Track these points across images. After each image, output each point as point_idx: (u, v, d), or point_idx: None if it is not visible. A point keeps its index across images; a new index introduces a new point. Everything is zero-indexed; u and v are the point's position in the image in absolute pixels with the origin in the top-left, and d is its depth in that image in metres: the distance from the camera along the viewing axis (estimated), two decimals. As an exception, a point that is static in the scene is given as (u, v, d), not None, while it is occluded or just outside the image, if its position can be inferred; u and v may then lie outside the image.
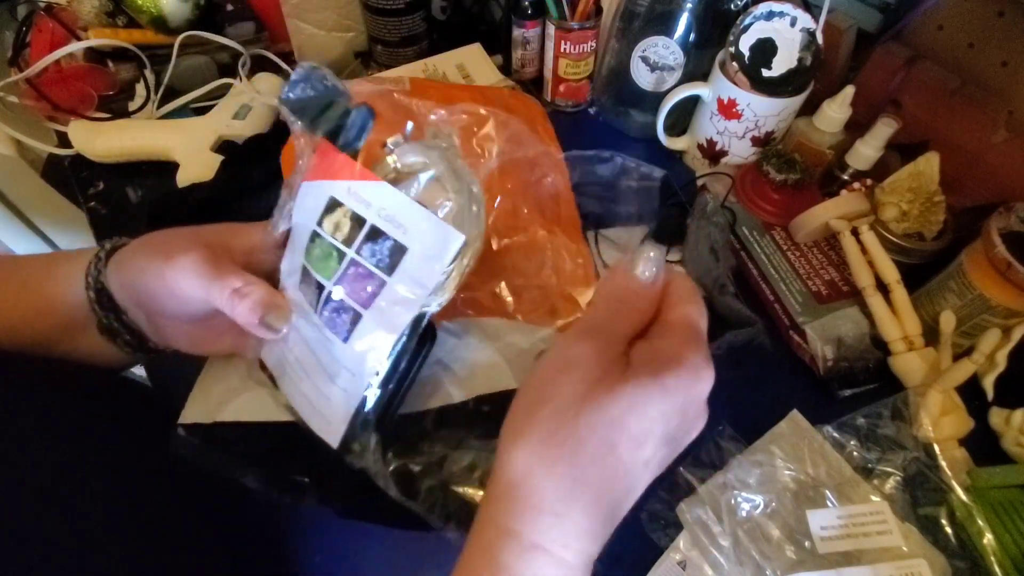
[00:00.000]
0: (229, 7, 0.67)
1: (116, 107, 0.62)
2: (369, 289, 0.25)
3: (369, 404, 0.27)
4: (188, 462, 0.31)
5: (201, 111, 0.63)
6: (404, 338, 0.26)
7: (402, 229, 0.24)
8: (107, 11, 0.65)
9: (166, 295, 0.29)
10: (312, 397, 0.29)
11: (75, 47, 0.62)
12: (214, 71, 0.66)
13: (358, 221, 0.25)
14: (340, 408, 0.28)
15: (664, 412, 0.22)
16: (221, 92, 0.64)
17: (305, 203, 0.27)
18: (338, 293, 0.26)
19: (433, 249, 0.24)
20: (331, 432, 0.28)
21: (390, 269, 0.25)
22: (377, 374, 0.26)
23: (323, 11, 0.65)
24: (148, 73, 0.64)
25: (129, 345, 0.33)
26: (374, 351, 0.26)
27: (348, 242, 0.25)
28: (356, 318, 0.26)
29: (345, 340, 0.26)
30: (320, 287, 0.26)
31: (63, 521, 0.26)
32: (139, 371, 0.47)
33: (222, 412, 0.33)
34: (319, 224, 0.26)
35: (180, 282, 0.27)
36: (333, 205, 0.25)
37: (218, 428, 0.33)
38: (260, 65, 0.68)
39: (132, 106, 0.62)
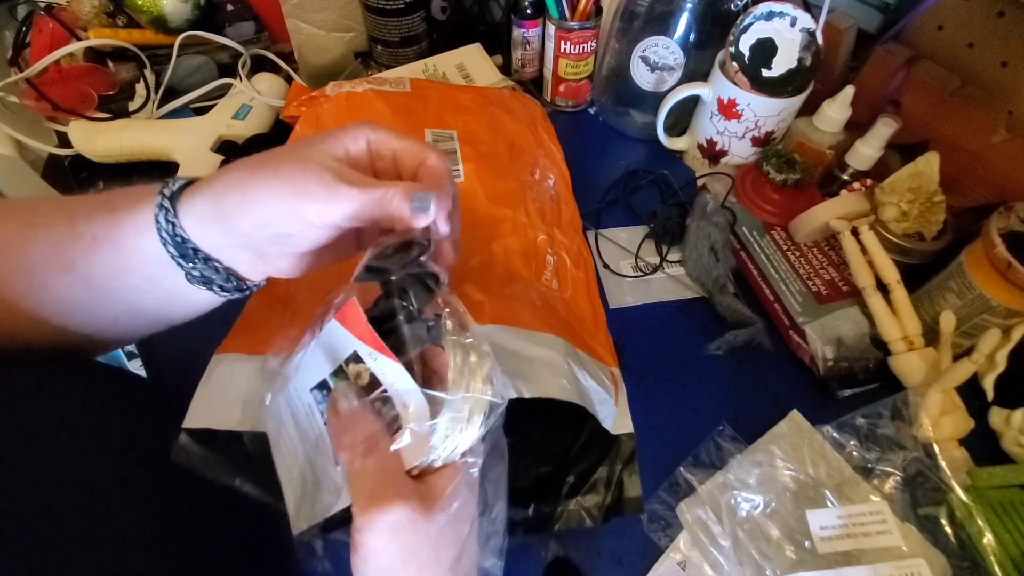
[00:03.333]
0: (229, 7, 0.67)
1: (116, 107, 0.62)
2: None
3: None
4: (189, 470, 0.31)
5: (201, 111, 0.63)
6: None
7: (406, 411, 0.26)
8: (107, 11, 0.65)
9: (300, 227, 0.27)
10: (295, 479, 0.29)
11: (75, 47, 0.62)
12: (214, 71, 0.66)
13: (375, 380, 0.26)
14: (309, 514, 0.28)
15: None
16: (221, 92, 0.64)
17: (333, 337, 0.27)
18: None
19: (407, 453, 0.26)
20: (295, 520, 0.29)
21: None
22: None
23: (323, 11, 0.65)
24: (148, 73, 0.64)
25: (224, 290, 0.31)
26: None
27: (365, 391, 0.26)
28: None
29: (336, 466, 0.27)
30: None
31: (62, 521, 0.26)
32: (137, 365, 0.47)
33: (226, 422, 0.33)
34: (345, 363, 0.27)
35: (323, 214, 0.27)
36: (357, 358, 0.26)
37: (220, 433, 0.33)
38: (260, 65, 0.68)
39: (132, 106, 0.62)
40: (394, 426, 0.26)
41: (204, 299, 0.31)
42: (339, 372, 0.27)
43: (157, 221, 0.27)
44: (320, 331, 0.27)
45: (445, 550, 0.25)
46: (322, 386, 0.27)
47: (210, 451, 0.32)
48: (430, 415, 0.25)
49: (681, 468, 0.42)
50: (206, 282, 0.30)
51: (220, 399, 0.34)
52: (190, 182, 0.29)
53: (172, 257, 0.28)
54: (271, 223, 0.27)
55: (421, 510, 0.23)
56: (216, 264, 0.29)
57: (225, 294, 0.31)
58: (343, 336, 0.26)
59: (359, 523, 0.23)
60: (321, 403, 0.28)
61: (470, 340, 0.26)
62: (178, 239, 0.28)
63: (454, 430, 0.25)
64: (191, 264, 0.28)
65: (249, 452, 0.33)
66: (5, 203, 0.32)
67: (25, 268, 0.29)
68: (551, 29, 0.63)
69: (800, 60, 0.52)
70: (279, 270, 0.30)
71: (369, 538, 0.23)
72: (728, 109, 0.56)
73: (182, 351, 0.36)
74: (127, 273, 0.29)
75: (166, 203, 0.28)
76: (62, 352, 0.32)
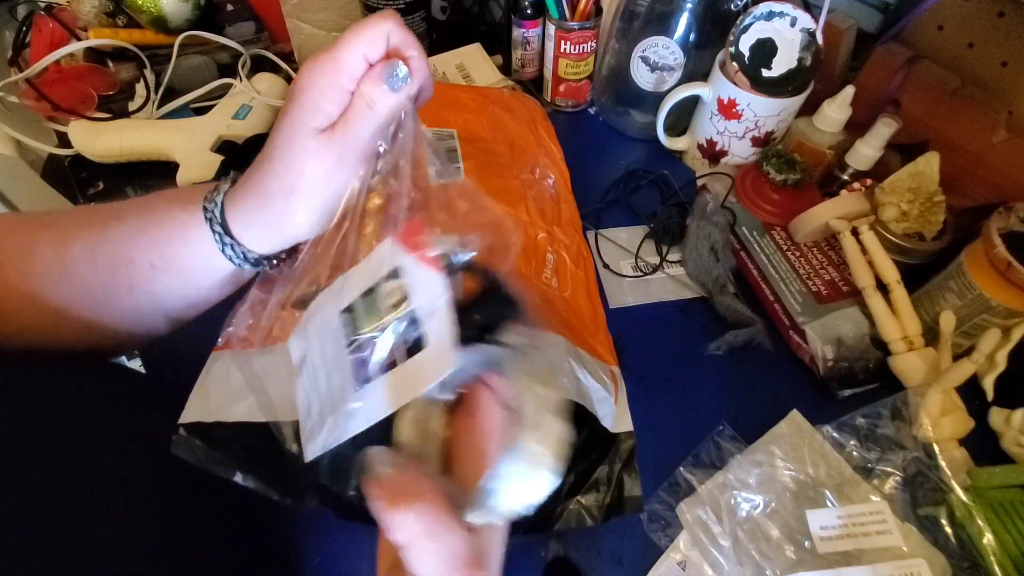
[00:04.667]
0: (229, 7, 0.67)
1: (116, 107, 0.62)
2: (385, 364, 0.26)
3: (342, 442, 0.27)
4: (189, 464, 0.31)
5: (201, 111, 0.63)
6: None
7: (429, 331, 0.24)
8: (107, 11, 0.65)
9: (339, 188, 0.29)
10: (312, 404, 0.29)
11: (75, 47, 0.62)
12: (214, 71, 0.66)
13: (404, 299, 0.26)
14: (324, 436, 0.28)
15: None
16: (221, 92, 0.64)
17: (377, 259, 0.28)
18: (366, 348, 0.27)
19: (427, 367, 0.24)
20: (307, 447, 0.29)
21: (403, 358, 0.25)
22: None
23: (323, 11, 0.65)
24: (148, 73, 0.64)
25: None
26: (367, 416, 0.26)
27: (392, 310, 0.26)
28: (367, 380, 0.27)
29: (356, 390, 0.27)
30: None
31: (62, 520, 0.26)
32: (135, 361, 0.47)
33: (225, 413, 0.33)
34: (380, 282, 0.27)
35: (356, 170, 0.29)
36: (395, 274, 0.26)
37: (219, 427, 0.33)
38: (260, 65, 0.68)
39: (132, 106, 0.62)
40: (415, 347, 0.25)
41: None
42: (369, 293, 0.27)
43: (225, 253, 0.30)
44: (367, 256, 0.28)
45: None
46: (349, 309, 0.28)
47: (209, 445, 0.32)
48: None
49: (681, 468, 0.42)
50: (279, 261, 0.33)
51: (217, 394, 0.34)
52: (220, 199, 0.31)
53: (250, 273, 0.32)
54: (327, 209, 0.30)
55: None
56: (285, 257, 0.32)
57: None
58: (390, 254, 0.27)
59: None
60: (347, 325, 0.28)
61: (543, 392, 0.25)
62: (253, 259, 0.31)
63: (518, 480, 0.23)
64: (264, 265, 0.32)
65: (247, 446, 0.33)
66: (28, 220, 0.34)
67: (73, 285, 0.31)
68: (551, 29, 0.63)
69: (800, 60, 0.52)
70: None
71: None
72: (728, 109, 0.56)
73: (181, 350, 0.36)
74: (195, 283, 0.32)
75: (227, 239, 0.30)
76: (84, 348, 0.34)
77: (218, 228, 0.30)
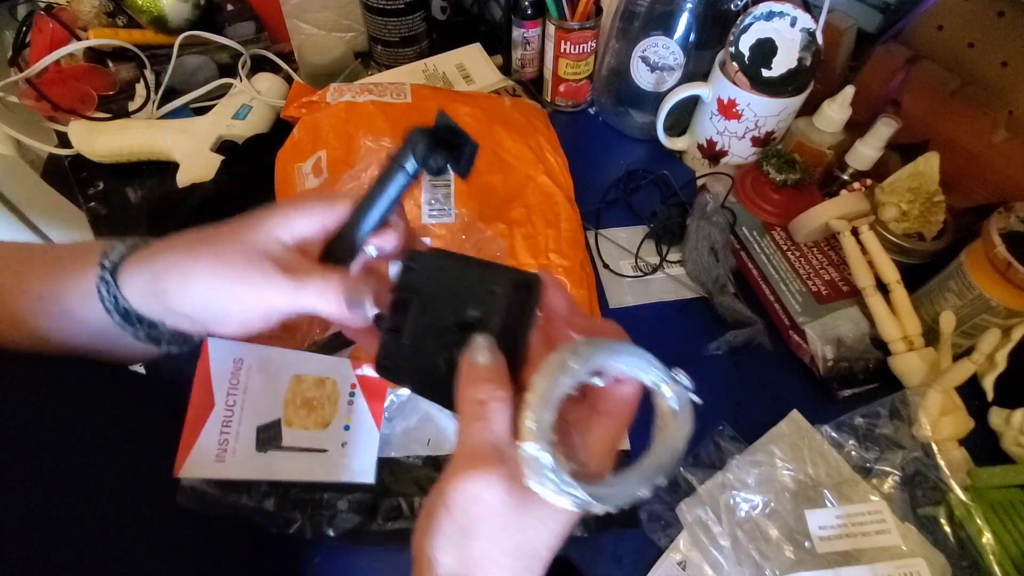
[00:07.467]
0: (229, 7, 0.67)
1: (116, 107, 0.62)
2: None
3: None
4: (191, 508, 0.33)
5: (201, 111, 0.63)
6: None
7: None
8: (107, 11, 0.65)
9: (238, 310, 0.28)
10: None
11: (75, 47, 0.62)
12: (214, 71, 0.66)
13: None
14: None
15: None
16: (221, 92, 0.64)
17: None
18: None
19: None
20: None
21: None
22: None
23: (323, 11, 0.65)
24: (148, 73, 0.64)
25: (174, 343, 0.32)
26: None
27: None
28: None
29: None
30: None
31: (66, 514, 0.26)
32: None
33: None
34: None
35: (260, 301, 0.27)
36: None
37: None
38: (260, 65, 0.68)
39: (132, 106, 0.62)
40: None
41: (156, 349, 0.32)
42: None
43: (99, 291, 0.28)
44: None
45: (518, 536, 0.24)
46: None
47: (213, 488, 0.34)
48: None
49: (681, 468, 0.42)
50: (154, 340, 0.30)
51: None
52: (133, 246, 0.29)
53: (117, 323, 0.29)
54: (208, 306, 0.28)
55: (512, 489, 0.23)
56: (160, 327, 0.30)
57: (173, 347, 0.32)
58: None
59: (447, 480, 0.23)
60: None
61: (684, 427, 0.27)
62: (122, 309, 0.28)
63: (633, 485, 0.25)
64: (135, 328, 0.29)
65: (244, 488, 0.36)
66: None
67: None
68: (551, 29, 0.63)
69: (800, 60, 0.52)
70: (223, 333, 0.31)
71: (454, 495, 0.23)
72: (728, 109, 0.56)
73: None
74: (78, 329, 0.30)
75: (107, 276, 0.28)
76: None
77: (107, 263, 0.28)
